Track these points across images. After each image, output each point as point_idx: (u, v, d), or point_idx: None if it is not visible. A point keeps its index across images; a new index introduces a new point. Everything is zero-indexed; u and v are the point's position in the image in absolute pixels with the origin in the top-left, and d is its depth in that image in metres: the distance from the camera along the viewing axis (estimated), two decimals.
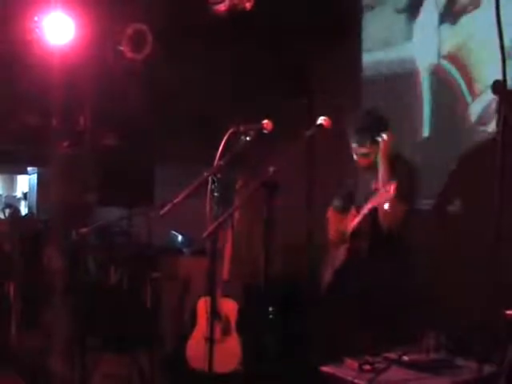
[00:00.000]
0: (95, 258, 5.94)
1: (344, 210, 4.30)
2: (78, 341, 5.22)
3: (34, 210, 7.11)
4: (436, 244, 4.79)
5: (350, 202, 4.29)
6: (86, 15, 5.56)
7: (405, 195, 3.88)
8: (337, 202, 4.40)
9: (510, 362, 2.55)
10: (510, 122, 2.27)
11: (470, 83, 5.10)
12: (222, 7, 5.29)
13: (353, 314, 3.96)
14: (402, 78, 5.72)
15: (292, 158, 3.80)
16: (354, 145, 4.19)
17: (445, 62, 5.34)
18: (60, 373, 5.20)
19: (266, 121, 3.76)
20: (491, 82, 3.02)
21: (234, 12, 5.34)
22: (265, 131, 3.74)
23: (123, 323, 5.55)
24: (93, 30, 5.64)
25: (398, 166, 4.03)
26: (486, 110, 4.92)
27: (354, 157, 4.22)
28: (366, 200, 4.02)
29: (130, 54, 5.79)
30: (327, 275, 4.18)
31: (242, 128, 3.56)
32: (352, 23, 6.03)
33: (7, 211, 6.36)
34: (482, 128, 4.95)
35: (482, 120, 4.96)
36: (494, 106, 4.79)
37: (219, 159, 3.42)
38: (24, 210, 7.29)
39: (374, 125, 4.14)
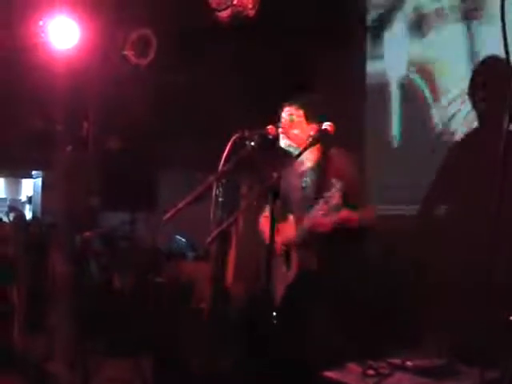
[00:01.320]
0: (99, 262, 5.96)
1: (282, 218, 3.91)
2: (81, 344, 5.24)
3: (39, 214, 7.12)
4: (429, 249, 4.80)
5: (284, 206, 3.87)
6: (91, 20, 5.57)
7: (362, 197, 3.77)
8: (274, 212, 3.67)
9: None
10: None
11: (436, 93, 5.25)
12: (224, 14, 5.29)
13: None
14: (374, 90, 5.85)
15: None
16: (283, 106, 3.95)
17: (413, 74, 5.48)
18: (63, 376, 5.20)
19: (270, 126, 3.78)
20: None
21: (237, 19, 5.33)
22: (269, 136, 3.75)
23: (126, 327, 5.56)
24: (97, 35, 5.64)
25: (346, 165, 3.78)
26: (451, 118, 5.04)
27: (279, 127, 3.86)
28: (299, 204, 3.81)
29: (134, 59, 5.80)
30: (279, 291, 3.83)
31: (246, 133, 3.56)
32: (357, 26, 6.03)
33: (12, 215, 6.36)
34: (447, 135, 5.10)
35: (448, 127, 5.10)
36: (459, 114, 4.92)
37: (224, 164, 3.42)
38: (28, 214, 7.30)
39: (313, 100, 3.96)
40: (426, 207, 5.07)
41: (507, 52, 2.07)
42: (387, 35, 5.78)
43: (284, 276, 3.82)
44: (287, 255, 3.83)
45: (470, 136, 4.86)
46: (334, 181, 3.43)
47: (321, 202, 3.45)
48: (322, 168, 3.78)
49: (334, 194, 3.38)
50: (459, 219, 4.72)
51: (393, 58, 5.74)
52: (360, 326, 3.79)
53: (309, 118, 3.85)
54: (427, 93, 5.34)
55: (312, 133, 3.78)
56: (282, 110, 3.93)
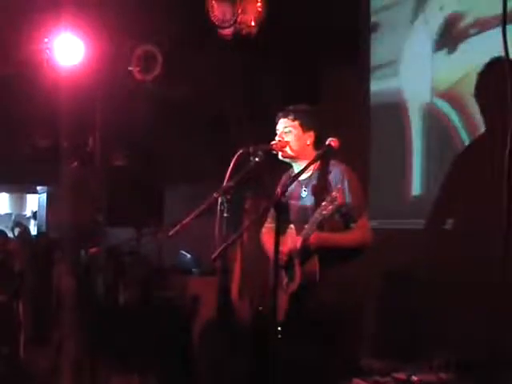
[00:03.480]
0: (105, 277, 5.96)
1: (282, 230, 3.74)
2: (87, 360, 5.24)
3: (44, 229, 7.13)
4: (437, 262, 4.78)
5: (285, 220, 3.80)
6: (96, 36, 5.61)
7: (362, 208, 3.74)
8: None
9: None
10: None
11: (469, 125, 4.51)
12: (227, 32, 5.31)
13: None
14: (389, 111, 5.35)
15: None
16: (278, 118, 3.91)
17: (439, 101, 4.74)
18: None
19: (275, 142, 3.79)
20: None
21: (239, 36, 5.35)
22: (274, 152, 3.77)
23: (132, 343, 5.56)
24: (103, 51, 5.69)
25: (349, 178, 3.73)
26: None
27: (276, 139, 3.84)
28: (298, 213, 3.77)
29: (139, 75, 5.83)
30: (282, 302, 3.72)
31: (251, 149, 3.58)
32: (362, 41, 6.04)
33: (17, 230, 6.38)
34: None
35: None
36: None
37: (228, 180, 3.44)
38: (34, 229, 7.32)
39: (308, 110, 3.93)
40: (435, 218, 5.02)
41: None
42: (407, 50, 5.08)
43: (286, 288, 3.75)
44: (289, 266, 3.75)
45: (475, 143, 4.75)
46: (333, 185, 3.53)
47: (325, 202, 3.45)
48: (320, 179, 3.74)
49: (337, 195, 3.39)
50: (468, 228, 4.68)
51: (414, 78, 4.97)
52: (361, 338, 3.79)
53: (305, 127, 3.86)
54: (458, 125, 4.56)
55: (309, 142, 3.82)
56: (278, 122, 3.92)
